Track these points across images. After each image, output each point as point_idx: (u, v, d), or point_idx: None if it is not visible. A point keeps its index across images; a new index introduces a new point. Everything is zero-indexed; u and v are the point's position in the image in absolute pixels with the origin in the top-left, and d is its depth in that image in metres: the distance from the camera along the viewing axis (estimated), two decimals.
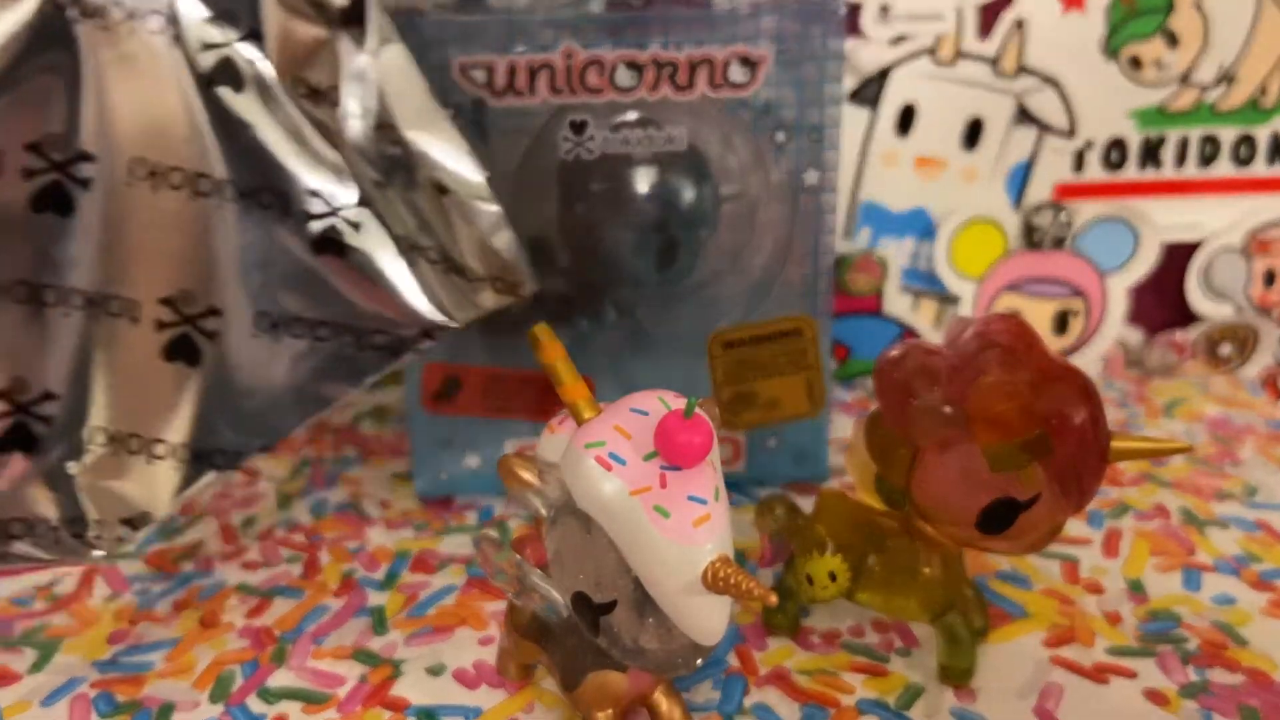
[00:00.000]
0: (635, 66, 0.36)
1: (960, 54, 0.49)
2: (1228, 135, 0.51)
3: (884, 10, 0.48)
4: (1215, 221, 0.52)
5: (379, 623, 0.35)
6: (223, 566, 0.38)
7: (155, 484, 0.28)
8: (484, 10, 0.36)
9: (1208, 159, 0.51)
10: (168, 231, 0.27)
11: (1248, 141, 0.51)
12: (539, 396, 0.41)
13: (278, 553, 0.39)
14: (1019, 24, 0.48)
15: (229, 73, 0.27)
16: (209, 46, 0.27)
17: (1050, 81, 0.49)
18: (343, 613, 0.35)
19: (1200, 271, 0.53)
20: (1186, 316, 0.54)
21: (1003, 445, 0.26)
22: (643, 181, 0.38)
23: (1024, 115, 0.50)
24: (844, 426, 0.47)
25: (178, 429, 0.29)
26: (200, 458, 0.29)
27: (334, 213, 0.28)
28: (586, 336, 0.40)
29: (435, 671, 0.32)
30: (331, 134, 0.28)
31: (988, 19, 0.48)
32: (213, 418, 0.29)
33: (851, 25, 0.48)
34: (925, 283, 0.53)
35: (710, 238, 0.39)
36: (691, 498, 0.24)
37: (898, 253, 0.53)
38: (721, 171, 0.38)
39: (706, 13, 0.36)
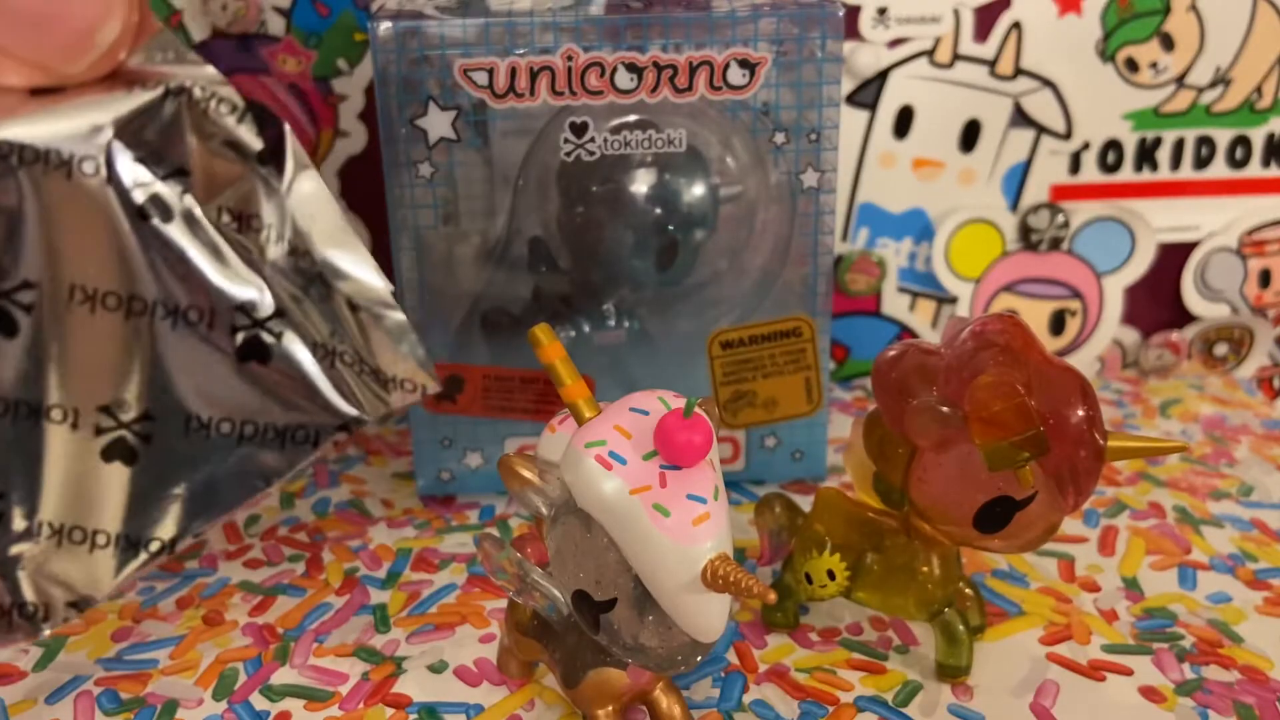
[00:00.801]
0: (635, 69, 0.36)
1: (957, 56, 0.49)
2: (1223, 137, 0.51)
3: (882, 13, 0.48)
4: (1211, 222, 0.52)
5: (381, 620, 0.35)
6: (226, 565, 0.38)
7: (96, 570, 0.32)
8: (485, 13, 0.36)
9: (1203, 161, 0.52)
10: (104, 347, 0.31)
11: (1243, 143, 0.51)
12: (539, 396, 0.41)
13: (280, 551, 0.39)
14: (1016, 26, 0.49)
15: (158, 205, 0.30)
16: (139, 184, 0.30)
17: (1047, 84, 0.50)
18: (345, 610, 0.35)
19: (1196, 272, 0.53)
20: (1182, 317, 0.55)
21: (1000, 444, 0.26)
22: (642, 182, 0.38)
23: (1021, 117, 0.50)
24: (842, 426, 0.48)
25: (116, 520, 0.32)
26: (138, 544, 0.32)
27: (256, 324, 0.32)
28: (586, 336, 0.41)
29: (437, 669, 0.32)
30: (251, 256, 0.32)
31: (985, 21, 0.49)
32: (150, 508, 0.32)
33: (850, 28, 0.48)
34: (923, 283, 0.54)
35: (709, 238, 0.39)
36: (691, 496, 0.24)
37: (896, 253, 0.53)
38: (721, 172, 0.39)
39: (705, 15, 0.36)
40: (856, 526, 0.32)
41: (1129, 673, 0.32)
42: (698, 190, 0.38)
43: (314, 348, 0.32)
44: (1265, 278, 0.54)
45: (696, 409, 0.24)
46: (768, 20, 0.36)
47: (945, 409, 0.28)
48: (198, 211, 0.31)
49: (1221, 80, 0.50)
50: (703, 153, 0.38)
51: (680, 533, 0.24)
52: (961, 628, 0.31)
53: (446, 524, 0.41)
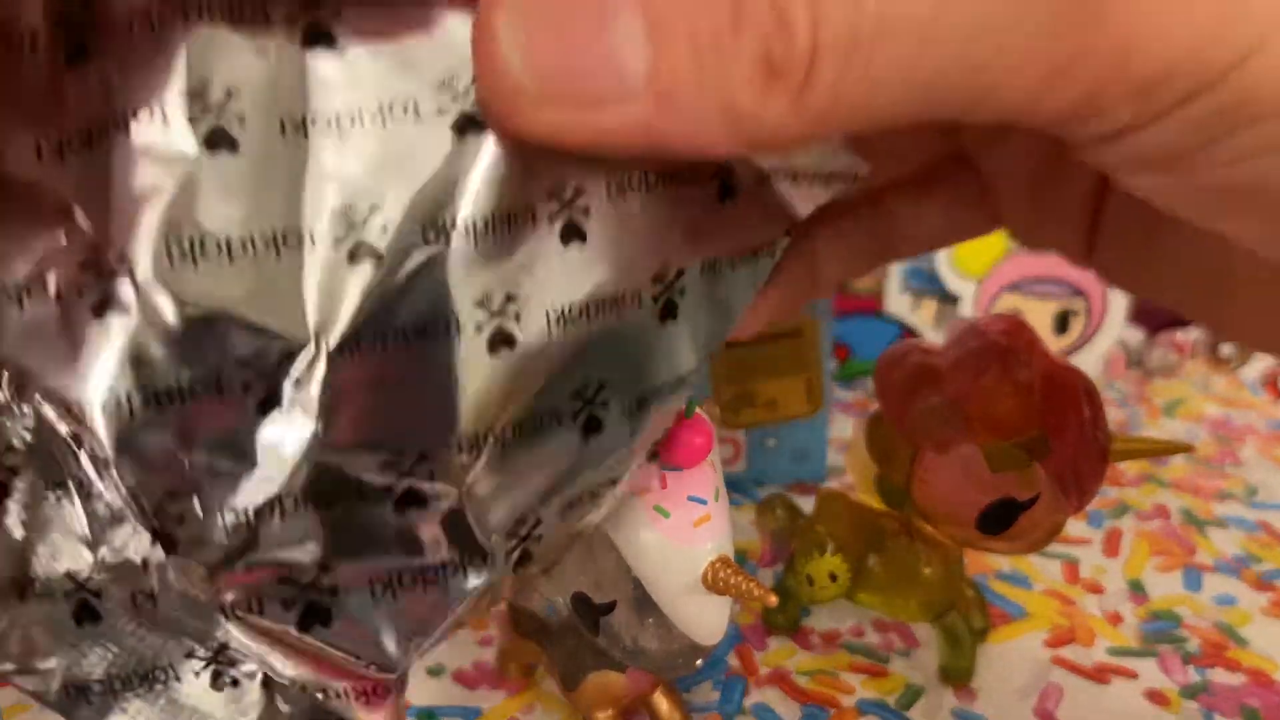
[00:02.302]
0: None
1: None
2: None
3: None
4: None
5: None
6: None
7: None
8: None
9: None
10: None
11: None
12: None
13: None
14: None
15: None
16: None
17: None
18: None
19: None
20: None
21: (1003, 445, 0.26)
22: None
23: None
24: (844, 426, 0.47)
25: None
26: None
27: None
28: None
29: (435, 672, 0.32)
30: None
31: None
32: None
33: None
34: (926, 283, 0.53)
35: None
36: (691, 498, 0.24)
37: None
38: None
39: None
40: (858, 528, 0.31)
41: (1134, 675, 0.32)
42: None
43: None
44: None
45: (697, 410, 0.24)
46: None
47: (948, 410, 0.27)
48: None
49: None
50: None
51: (680, 534, 0.23)
52: (964, 630, 0.31)
53: None
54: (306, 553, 0.19)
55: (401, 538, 0.20)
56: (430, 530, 0.20)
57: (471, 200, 0.19)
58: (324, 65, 0.18)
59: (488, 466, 0.20)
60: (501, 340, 0.20)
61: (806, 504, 0.33)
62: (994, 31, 0.14)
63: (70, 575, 0.20)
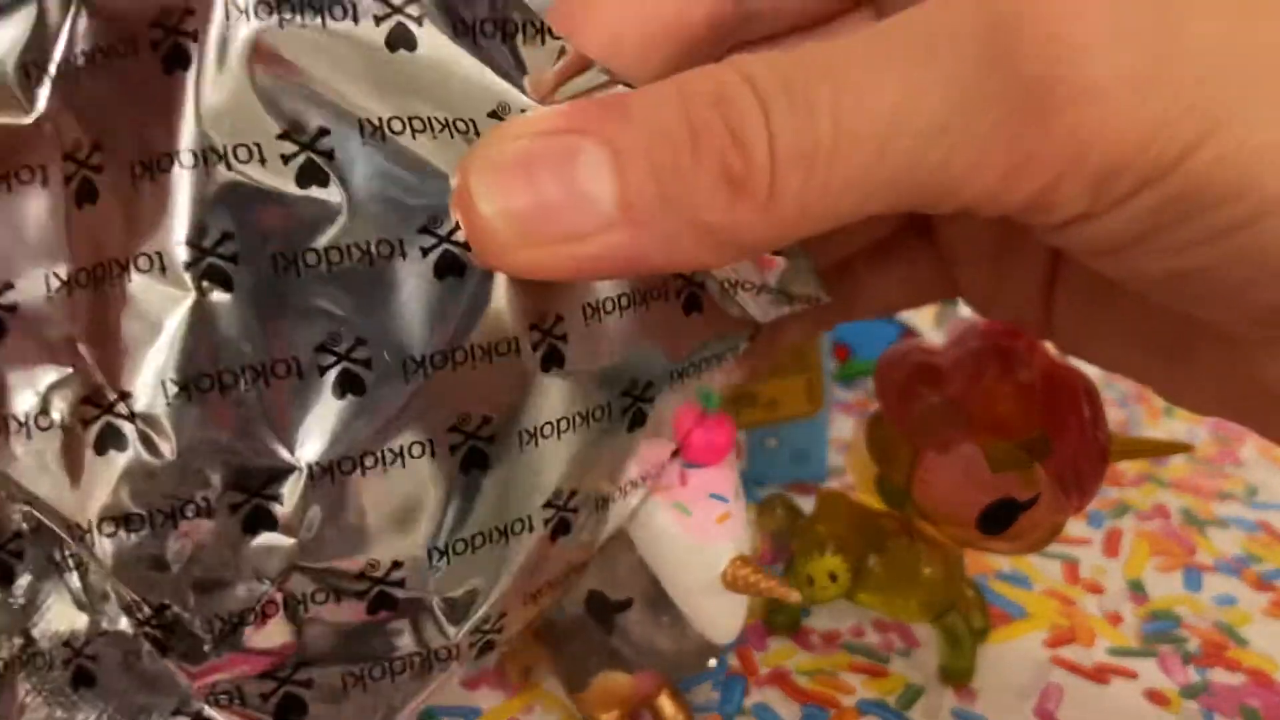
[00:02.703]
0: None
1: None
2: None
3: None
4: None
5: None
6: None
7: None
8: None
9: None
10: None
11: None
12: None
13: None
14: None
15: None
16: None
17: None
18: None
19: None
20: None
21: (1003, 445, 0.26)
22: None
23: None
24: (844, 427, 0.47)
25: None
26: None
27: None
28: None
29: None
30: None
31: None
32: None
33: None
34: None
35: None
36: (713, 495, 0.24)
37: None
38: None
39: None
40: (859, 528, 0.31)
41: (1134, 675, 0.32)
42: None
43: None
44: None
45: (720, 409, 0.24)
46: None
47: (948, 410, 0.27)
48: None
49: None
50: None
51: (701, 532, 0.23)
52: (964, 630, 0.31)
53: None
54: (283, 652, 0.21)
55: (372, 637, 0.21)
56: (400, 630, 0.21)
57: (454, 334, 0.19)
58: (316, 200, 0.19)
59: (458, 571, 0.21)
60: (474, 461, 0.21)
61: (806, 504, 0.33)
62: (951, 135, 0.15)
63: (67, 642, 0.21)
